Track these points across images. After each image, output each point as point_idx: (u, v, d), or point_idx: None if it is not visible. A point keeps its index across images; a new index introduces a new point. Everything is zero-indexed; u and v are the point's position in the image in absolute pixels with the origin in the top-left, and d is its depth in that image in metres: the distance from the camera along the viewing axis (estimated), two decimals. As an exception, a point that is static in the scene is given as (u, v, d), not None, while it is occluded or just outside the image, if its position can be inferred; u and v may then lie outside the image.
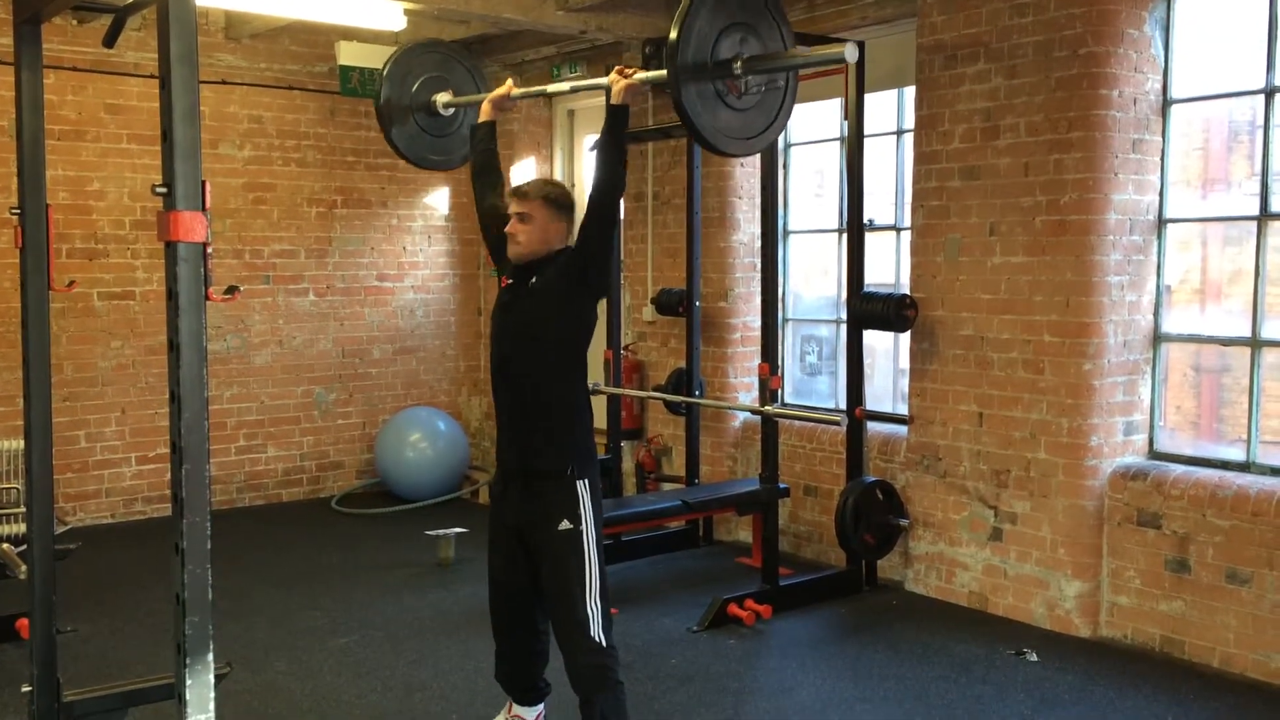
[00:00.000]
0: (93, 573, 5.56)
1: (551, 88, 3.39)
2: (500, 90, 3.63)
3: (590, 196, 3.24)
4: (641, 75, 3.13)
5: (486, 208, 3.61)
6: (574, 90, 3.31)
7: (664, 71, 2.92)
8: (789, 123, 3.23)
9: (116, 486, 6.71)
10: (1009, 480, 4.91)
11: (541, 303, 3.29)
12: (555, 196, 3.34)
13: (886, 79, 5.61)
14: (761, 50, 2.96)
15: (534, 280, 3.31)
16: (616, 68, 3.21)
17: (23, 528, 5.67)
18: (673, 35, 2.83)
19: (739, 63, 2.87)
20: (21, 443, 3.28)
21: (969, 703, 4.01)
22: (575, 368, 3.34)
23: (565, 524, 3.25)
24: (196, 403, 1.87)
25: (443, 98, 3.90)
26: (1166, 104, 4.71)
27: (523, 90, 3.59)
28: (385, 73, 3.87)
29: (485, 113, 3.64)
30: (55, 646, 2.97)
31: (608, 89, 3.20)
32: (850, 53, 2.74)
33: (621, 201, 3.30)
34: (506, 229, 3.34)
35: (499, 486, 3.44)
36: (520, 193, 3.34)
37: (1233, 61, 4.63)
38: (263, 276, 7.14)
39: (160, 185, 1.87)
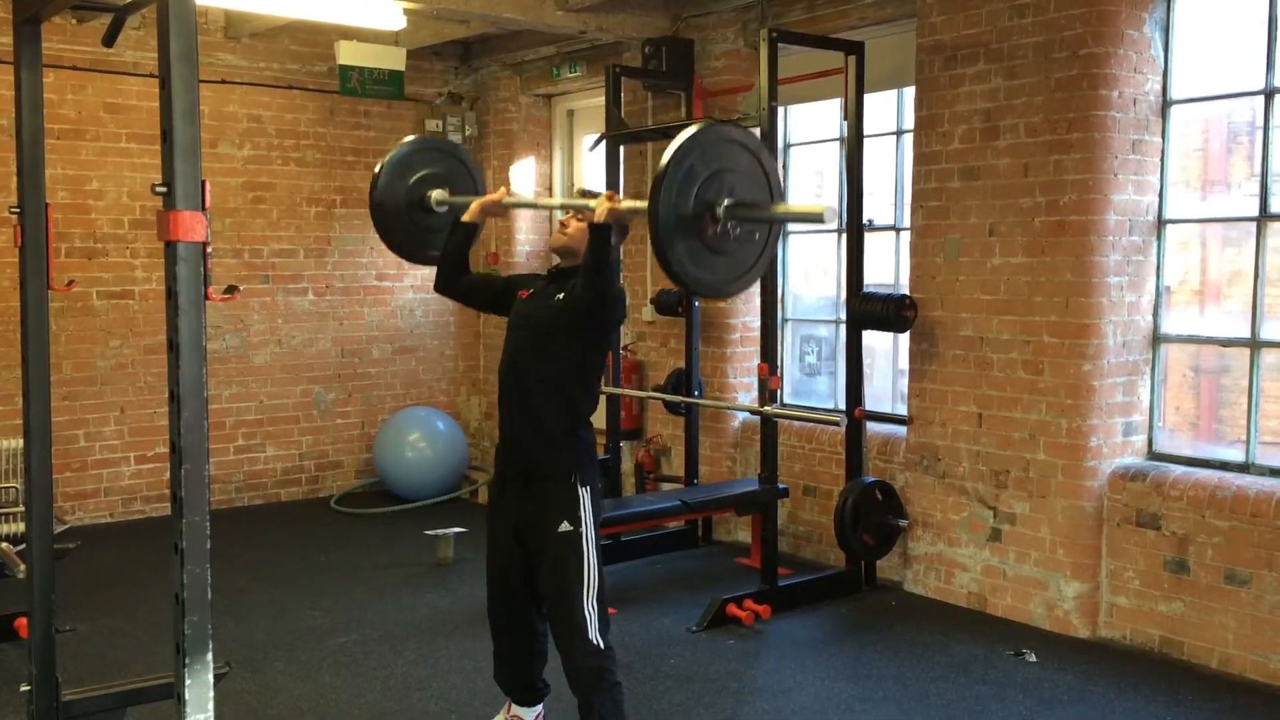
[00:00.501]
0: (92, 572, 5.55)
1: (543, 201, 3.40)
2: (493, 196, 3.62)
3: (580, 295, 3.22)
4: (629, 204, 3.13)
5: (464, 288, 3.60)
6: (564, 207, 3.28)
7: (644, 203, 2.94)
8: (776, 250, 3.27)
9: (115, 486, 6.70)
10: (1008, 481, 4.91)
11: (560, 320, 3.31)
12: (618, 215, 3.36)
13: (886, 79, 5.61)
14: (748, 193, 2.96)
15: (559, 296, 3.33)
16: (606, 193, 3.20)
17: (22, 527, 5.66)
18: (659, 169, 2.83)
19: (722, 208, 2.90)
20: (20, 442, 3.28)
21: (968, 703, 4.01)
22: (585, 379, 3.36)
23: (565, 525, 3.26)
24: (196, 402, 1.87)
25: (437, 194, 3.91)
26: (1166, 105, 4.71)
27: (514, 200, 3.58)
28: (380, 171, 3.86)
29: (473, 213, 3.60)
30: (54, 646, 2.96)
31: (592, 210, 3.18)
32: (829, 215, 2.79)
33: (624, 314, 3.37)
34: (563, 219, 3.41)
35: (498, 487, 3.45)
36: (589, 195, 3.34)
37: (1232, 62, 4.63)
38: (262, 276, 7.14)
39: (160, 184, 1.87)
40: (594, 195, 3.36)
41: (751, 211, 2.94)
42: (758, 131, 5.03)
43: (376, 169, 3.85)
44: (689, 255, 2.89)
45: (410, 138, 3.97)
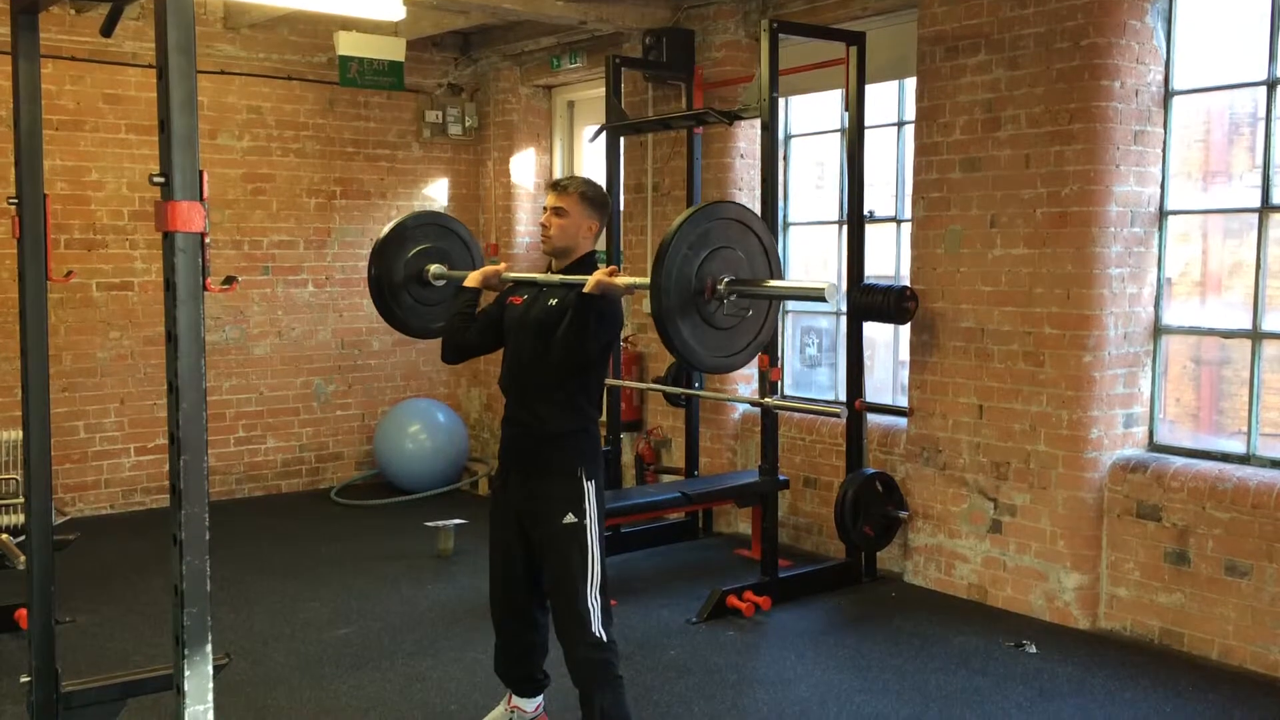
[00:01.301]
0: (92, 563, 5.56)
1: (542, 278, 3.42)
2: (493, 268, 3.62)
3: (562, 350, 3.21)
4: (625, 280, 3.12)
5: (475, 343, 3.57)
6: (563, 284, 3.30)
7: (646, 279, 2.97)
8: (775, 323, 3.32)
9: (115, 477, 6.71)
10: (1009, 472, 4.91)
11: (552, 326, 3.29)
12: (593, 195, 3.38)
13: (887, 70, 5.59)
14: (748, 270, 3.02)
15: (552, 302, 3.32)
16: (610, 267, 3.19)
17: (22, 518, 5.67)
18: (665, 241, 2.88)
19: (723, 284, 2.96)
20: (20, 433, 3.28)
21: (968, 694, 4.01)
22: (589, 375, 3.36)
23: (570, 518, 3.26)
24: (194, 393, 1.86)
25: (435, 269, 3.93)
26: (1168, 95, 4.70)
27: (515, 275, 3.60)
28: (376, 249, 3.88)
29: (474, 280, 3.60)
30: (54, 637, 2.96)
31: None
32: (830, 294, 2.83)
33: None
34: (541, 221, 3.41)
35: (501, 479, 3.45)
36: (560, 187, 3.38)
37: (1234, 53, 4.61)
38: (261, 267, 7.13)
39: (158, 175, 1.86)
40: (565, 188, 3.34)
41: (751, 289, 3.01)
42: (758, 123, 5.02)
43: (374, 246, 3.90)
44: (690, 332, 2.97)
45: (406, 216, 3.99)
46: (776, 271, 3.12)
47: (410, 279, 3.92)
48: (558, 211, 3.36)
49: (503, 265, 3.68)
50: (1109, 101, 4.54)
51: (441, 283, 3.93)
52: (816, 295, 2.90)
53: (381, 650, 4.45)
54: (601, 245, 4.09)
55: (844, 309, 5.69)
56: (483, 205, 7.99)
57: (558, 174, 7.83)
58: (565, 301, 3.28)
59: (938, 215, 5.14)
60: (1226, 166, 4.90)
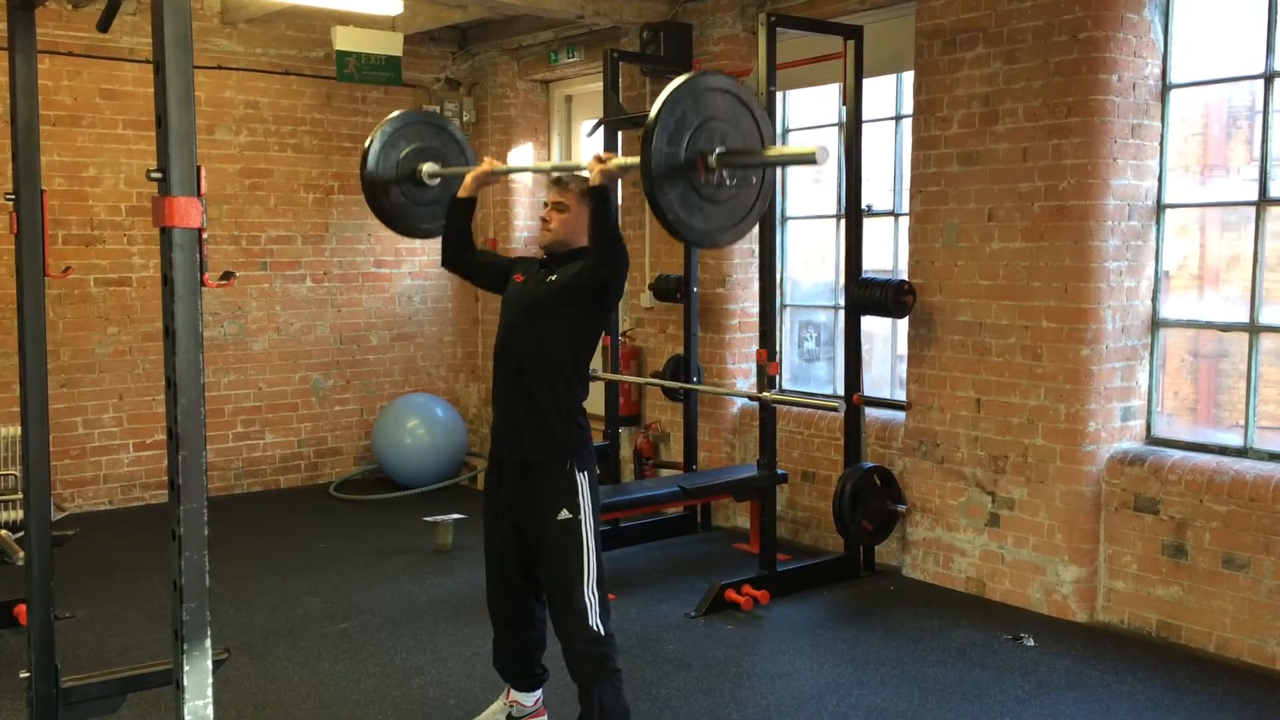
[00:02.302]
0: (91, 559, 5.56)
1: (533, 165, 3.43)
2: (483, 167, 3.64)
3: (594, 274, 3.23)
4: (618, 161, 3.16)
5: (472, 268, 3.64)
6: (554, 170, 3.32)
7: (638, 158, 2.94)
8: (770, 201, 3.27)
9: (114, 473, 6.71)
10: (1006, 466, 4.92)
11: (552, 302, 3.31)
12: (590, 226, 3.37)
13: (885, 64, 5.59)
14: (740, 142, 2.97)
15: (552, 278, 3.34)
16: (595, 154, 3.23)
17: (21, 514, 5.67)
18: (648, 123, 2.84)
19: (714, 156, 2.91)
20: (19, 429, 3.28)
21: (966, 687, 4.02)
22: (579, 362, 3.36)
23: (564, 513, 3.26)
24: (192, 389, 1.86)
25: (428, 167, 3.91)
26: (1166, 89, 4.69)
27: (505, 167, 3.63)
28: (370, 147, 3.86)
29: (467, 188, 3.62)
30: (53, 632, 2.97)
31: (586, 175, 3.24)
32: (821, 155, 2.79)
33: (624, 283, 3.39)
34: (542, 215, 3.42)
35: (495, 476, 3.44)
36: (561, 183, 3.40)
37: (1232, 46, 4.61)
38: (260, 263, 7.13)
39: (155, 170, 1.86)
40: (567, 184, 3.36)
41: (743, 158, 2.95)
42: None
43: (367, 144, 3.86)
44: (681, 203, 2.90)
45: (397, 113, 3.97)
46: (768, 139, 3.06)
47: (403, 179, 3.90)
48: (559, 206, 3.38)
49: (490, 162, 3.65)
50: (1106, 95, 4.54)
51: (435, 181, 3.91)
52: (807, 158, 2.85)
53: (380, 645, 4.45)
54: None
55: (842, 303, 5.69)
56: (480, 200, 7.93)
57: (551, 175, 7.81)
58: (565, 275, 3.30)
59: (935, 209, 5.14)
60: (1224, 160, 4.90)
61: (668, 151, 2.85)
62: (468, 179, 3.64)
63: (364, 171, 3.85)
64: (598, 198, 3.18)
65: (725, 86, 3.00)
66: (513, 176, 7.75)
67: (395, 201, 3.91)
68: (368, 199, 3.91)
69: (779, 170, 6.04)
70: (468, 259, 3.65)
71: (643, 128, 2.86)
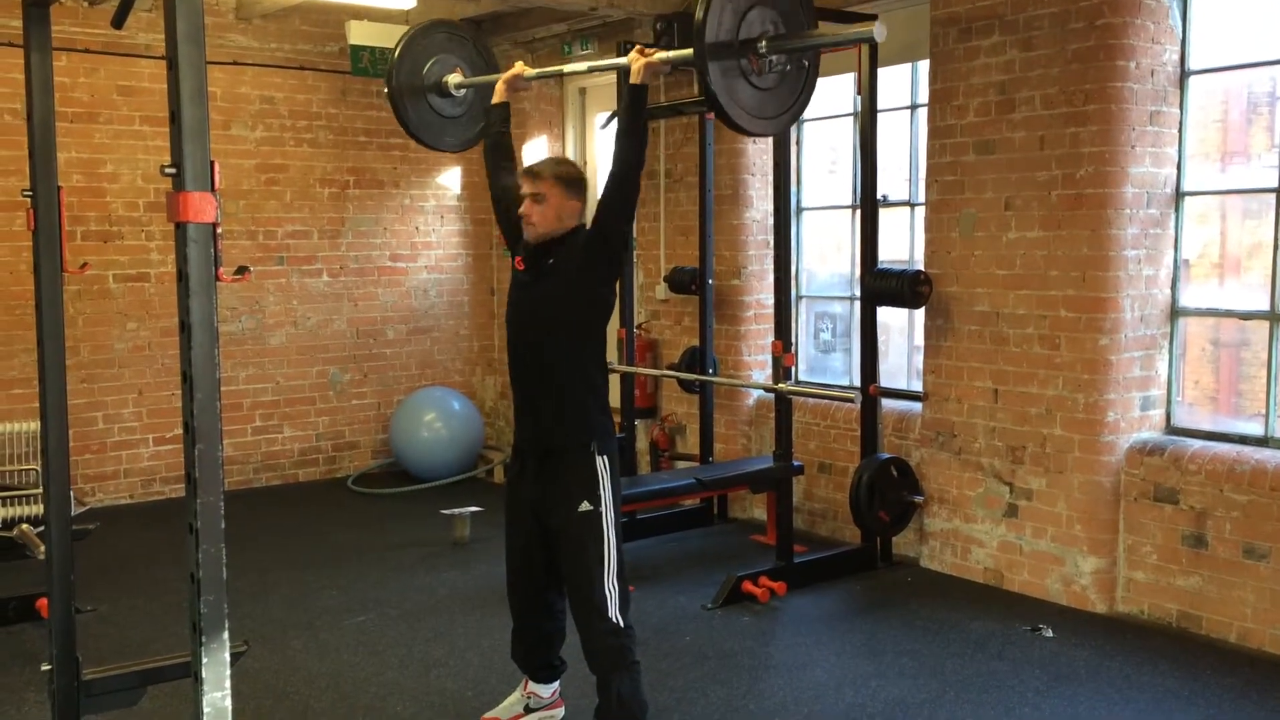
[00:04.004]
0: (111, 553, 5.60)
1: (568, 68, 3.38)
2: (513, 70, 3.60)
3: (611, 172, 3.23)
4: (662, 55, 3.11)
5: (500, 188, 3.58)
6: (590, 70, 3.30)
7: (688, 50, 2.91)
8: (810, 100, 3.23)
9: (134, 467, 6.75)
10: (1024, 456, 4.89)
11: (559, 283, 3.28)
12: (568, 176, 3.34)
13: (900, 53, 5.55)
14: (784, 28, 2.96)
15: (550, 260, 3.31)
16: (637, 46, 3.20)
17: (41, 508, 5.71)
18: (699, 15, 2.83)
19: (764, 41, 2.89)
20: (39, 424, 3.30)
21: (984, 679, 4.01)
22: (593, 346, 3.35)
23: (585, 505, 3.25)
24: (209, 383, 1.87)
25: (454, 78, 3.87)
26: (1184, 75, 4.65)
27: (537, 71, 3.57)
28: (396, 55, 3.83)
29: (499, 94, 3.62)
30: (74, 625, 2.99)
31: (626, 69, 3.19)
32: (879, 32, 2.76)
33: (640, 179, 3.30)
34: (520, 210, 3.33)
35: (516, 466, 3.44)
36: (533, 173, 3.32)
37: (1251, 32, 4.56)
38: (276, 257, 7.16)
39: (169, 166, 1.87)
40: (538, 174, 3.31)
41: (793, 42, 2.93)
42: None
43: (392, 55, 3.83)
44: (732, 91, 2.89)
45: (424, 22, 3.95)
46: (810, 17, 3.04)
47: (430, 91, 3.87)
48: (536, 198, 3.29)
49: (520, 65, 3.62)
50: (1124, 82, 4.50)
51: (462, 93, 3.88)
52: (864, 36, 2.85)
53: (399, 637, 4.47)
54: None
55: (858, 294, 5.67)
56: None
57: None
58: (565, 254, 3.27)
59: (952, 198, 5.12)
60: (1244, 147, 4.85)
61: (719, 40, 2.84)
62: (499, 84, 3.62)
63: (389, 81, 3.82)
64: (635, 94, 3.15)
65: None
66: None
67: (421, 112, 3.88)
68: (393, 108, 3.88)
69: (794, 156, 6.02)
70: (502, 180, 3.55)
71: (694, 26, 2.84)
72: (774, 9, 2.95)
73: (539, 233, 3.32)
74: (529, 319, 3.35)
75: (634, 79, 3.15)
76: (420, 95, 3.85)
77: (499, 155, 3.63)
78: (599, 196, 3.26)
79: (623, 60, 3.20)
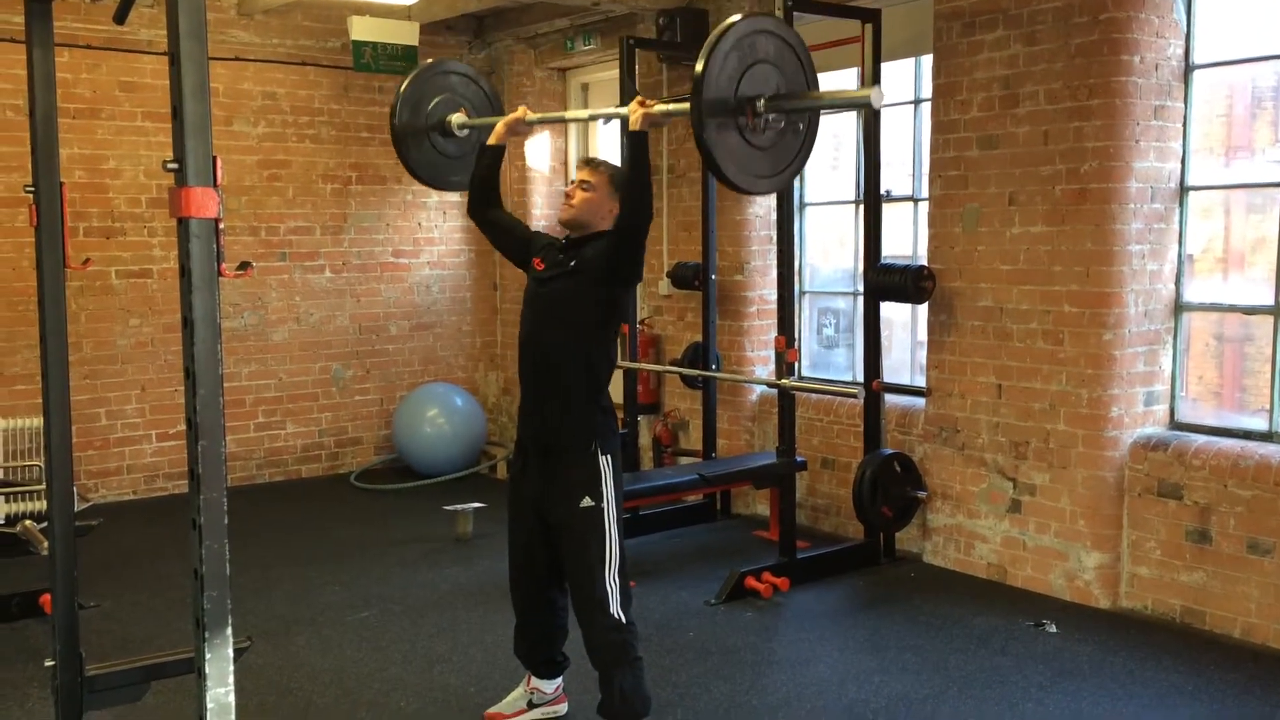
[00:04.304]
0: (115, 549, 5.61)
1: (569, 114, 3.40)
2: (515, 114, 3.61)
3: (618, 223, 3.24)
4: (662, 108, 3.13)
5: (488, 223, 3.60)
6: (591, 119, 3.32)
7: (685, 104, 2.91)
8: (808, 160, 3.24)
9: (138, 463, 6.76)
10: (1028, 452, 4.89)
11: (575, 286, 3.30)
12: (621, 178, 3.36)
13: (903, 47, 5.54)
14: (785, 86, 2.94)
15: (572, 264, 3.33)
16: (637, 97, 3.20)
17: (45, 504, 5.72)
18: (699, 66, 2.82)
19: (763, 100, 2.87)
20: (42, 420, 3.31)
21: (988, 674, 4.01)
22: (600, 350, 3.36)
23: (587, 500, 3.26)
24: (211, 379, 1.86)
25: (457, 118, 3.87)
26: (1189, 69, 4.64)
27: (539, 115, 3.57)
28: (400, 96, 3.84)
29: (498, 135, 3.59)
30: (77, 621, 2.99)
31: (625, 118, 3.20)
32: (876, 97, 2.74)
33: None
34: (566, 190, 3.40)
35: (519, 463, 3.45)
36: (592, 163, 3.39)
37: (1256, 26, 4.54)
38: (279, 253, 7.16)
39: (171, 161, 1.86)
40: (599, 164, 3.35)
41: (792, 102, 2.91)
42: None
43: (396, 91, 3.84)
44: (728, 148, 2.88)
45: (426, 62, 3.95)
46: (812, 79, 3.03)
47: (432, 130, 3.88)
48: (584, 185, 3.35)
49: (523, 110, 3.62)
50: (1128, 76, 4.49)
51: (464, 133, 3.89)
52: (860, 101, 2.84)
53: (402, 633, 4.47)
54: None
55: (861, 289, 5.66)
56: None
57: (572, 158, 7.81)
58: (586, 260, 3.28)
59: (955, 194, 5.11)
60: (1249, 141, 4.84)
61: (718, 96, 2.82)
62: (499, 126, 3.60)
63: (392, 121, 3.82)
64: (634, 141, 3.15)
65: (774, 29, 2.98)
66: (530, 166, 7.75)
67: (424, 153, 3.88)
68: (396, 148, 3.89)
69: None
70: (492, 214, 3.59)
71: (693, 78, 2.84)
72: (777, 68, 2.94)
73: (574, 215, 3.35)
74: (541, 317, 3.36)
75: (632, 127, 3.15)
76: (423, 136, 3.86)
77: (485, 194, 3.60)
78: (612, 231, 3.26)
79: (623, 110, 3.21)
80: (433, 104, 3.85)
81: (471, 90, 3.96)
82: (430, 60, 3.99)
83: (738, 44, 2.87)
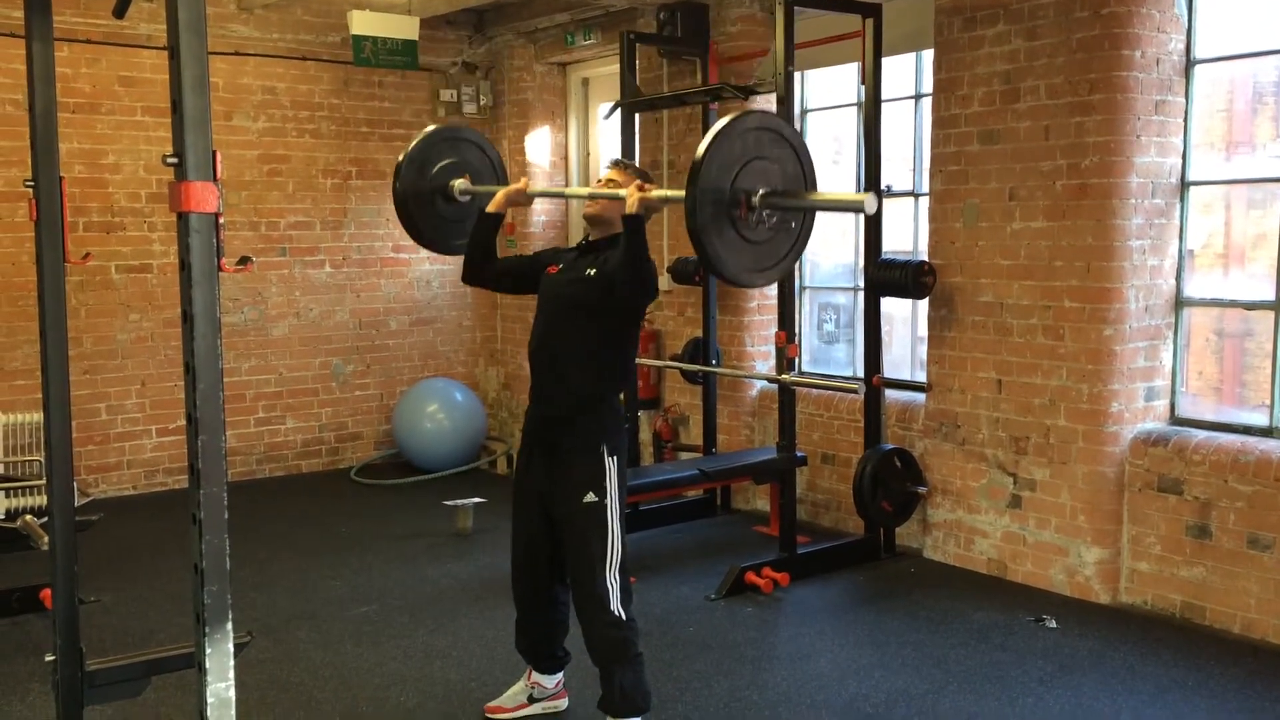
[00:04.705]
0: (115, 544, 5.61)
1: (569, 191, 3.42)
2: (516, 186, 3.62)
3: (619, 297, 3.24)
4: (659, 193, 3.15)
5: (492, 279, 3.61)
6: (591, 196, 3.32)
7: (681, 191, 2.92)
8: (805, 249, 3.26)
9: (137, 458, 6.76)
10: (1028, 447, 4.89)
11: (592, 294, 3.30)
12: (617, 261, 3.33)
13: (904, 42, 5.53)
14: (783, 185, 2.97)
15: (591, 271, 3.33)
16: (636, 182, 3.19)
17: (45, 499, 5.72)
18: (699, 154, 2.85)
19: (759, 195, 2.89)
20: (42, 415, 3.31)
21: (987, 669, 4.01)
22: (610, 353, 3.38)
23: (590, 496, 3.27)
24: (211, 374, 1.86)
25: (460, 184, 3.89)
26: (1190, 64, 4.63)
27: (540, 189, 3.60)
28: (403, 161, 3.86)
29: (497, 204, 3.59)
30: (78, 616, 2.99)
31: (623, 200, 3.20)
32: (869, 204, 2.76)
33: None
34: (593, 189, 3.42)
35: (525, 457, 3.46)
36: (621, 164, 3.43)
37: (1257, 21, 4.54)
38: (279, 248, 7.15)
39: (171, 156, 1.86)
40: (627, 166, 3.37)
41: (787, 200, 2.95)
42: (774, 97, 4.98)
43: (399, 160, 3.86)
44: (722, 240, 2.91)
45: (430, 127, 3.98)
46: (811, 180, 3.05)
47: (435, 194, 3.90)
48: (611, 184, 3.38)
49: (524, 182, 3.64)
50: (1129, 71, 4.48)
51: (467, 198, 3.91)
52: (855, 206, 2.85)
53: (402, 628, 4.48)
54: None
55: (861, 285, 5.66)
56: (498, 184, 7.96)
57: (573, 153, 7.81)
58: (605, 268, 3.29)
59: (956, 189, 5.10)
60: (1250, 136, 4.83)
61: (713, 188, 2.85)
62: (499, 195, 3.61)
63: (396, 186, 3.85)
64: (631, 227, 3.14)
65: (777, 128, 3.02)
66: (529, 159, 7.74)
67: (427, 218, 3.91)
68: (400, 216, 3.91)
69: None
70: (490, 271, 3.60)
71: (691, 164, 2.87)
72: (777, 165, 2.96)
73: (598, 213, 3.38)
74: (556, 318, 3.37)
75: (627, 210, 3.14)
76: (426, 201, 3.88)
77: (485, 258, 3.59)
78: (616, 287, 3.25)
79: (621, 192, 3.20)
80: (436, 168, 3.87)
81: (475, 154, 3.98)
82: (432, 126, 4.00)
83: (741, 137, 2.91)
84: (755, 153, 2.92)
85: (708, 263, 2.93)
